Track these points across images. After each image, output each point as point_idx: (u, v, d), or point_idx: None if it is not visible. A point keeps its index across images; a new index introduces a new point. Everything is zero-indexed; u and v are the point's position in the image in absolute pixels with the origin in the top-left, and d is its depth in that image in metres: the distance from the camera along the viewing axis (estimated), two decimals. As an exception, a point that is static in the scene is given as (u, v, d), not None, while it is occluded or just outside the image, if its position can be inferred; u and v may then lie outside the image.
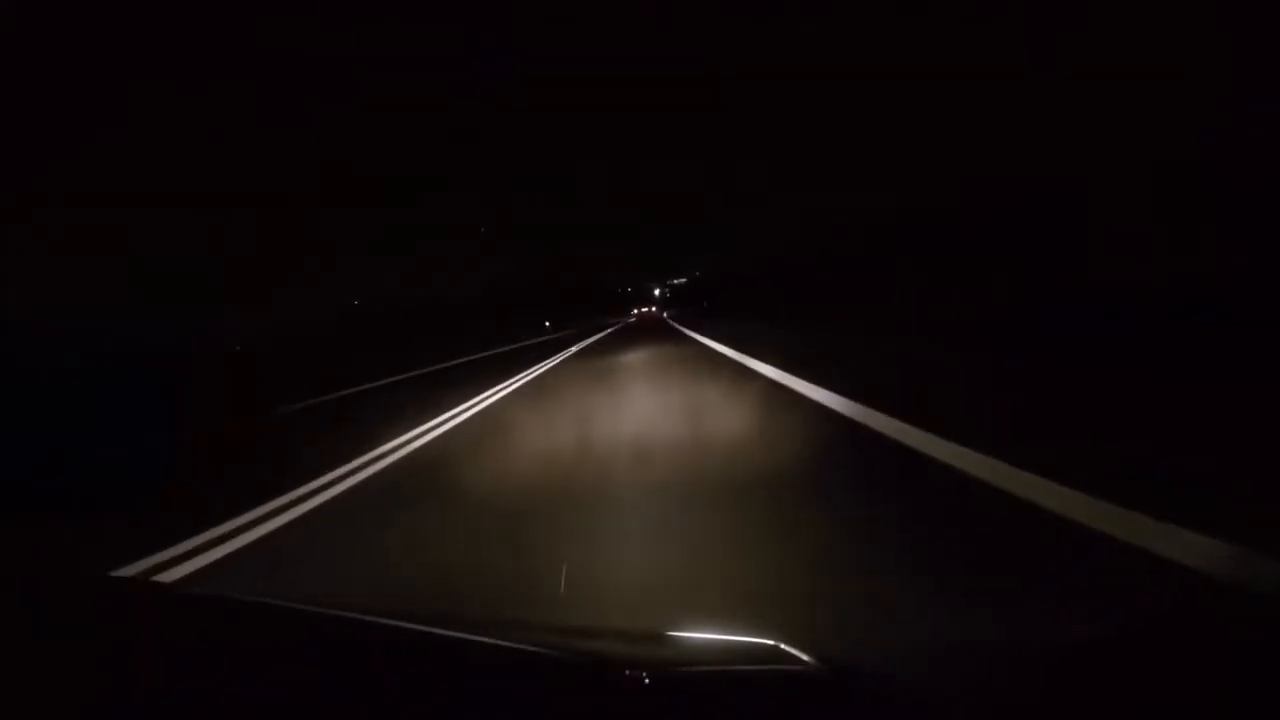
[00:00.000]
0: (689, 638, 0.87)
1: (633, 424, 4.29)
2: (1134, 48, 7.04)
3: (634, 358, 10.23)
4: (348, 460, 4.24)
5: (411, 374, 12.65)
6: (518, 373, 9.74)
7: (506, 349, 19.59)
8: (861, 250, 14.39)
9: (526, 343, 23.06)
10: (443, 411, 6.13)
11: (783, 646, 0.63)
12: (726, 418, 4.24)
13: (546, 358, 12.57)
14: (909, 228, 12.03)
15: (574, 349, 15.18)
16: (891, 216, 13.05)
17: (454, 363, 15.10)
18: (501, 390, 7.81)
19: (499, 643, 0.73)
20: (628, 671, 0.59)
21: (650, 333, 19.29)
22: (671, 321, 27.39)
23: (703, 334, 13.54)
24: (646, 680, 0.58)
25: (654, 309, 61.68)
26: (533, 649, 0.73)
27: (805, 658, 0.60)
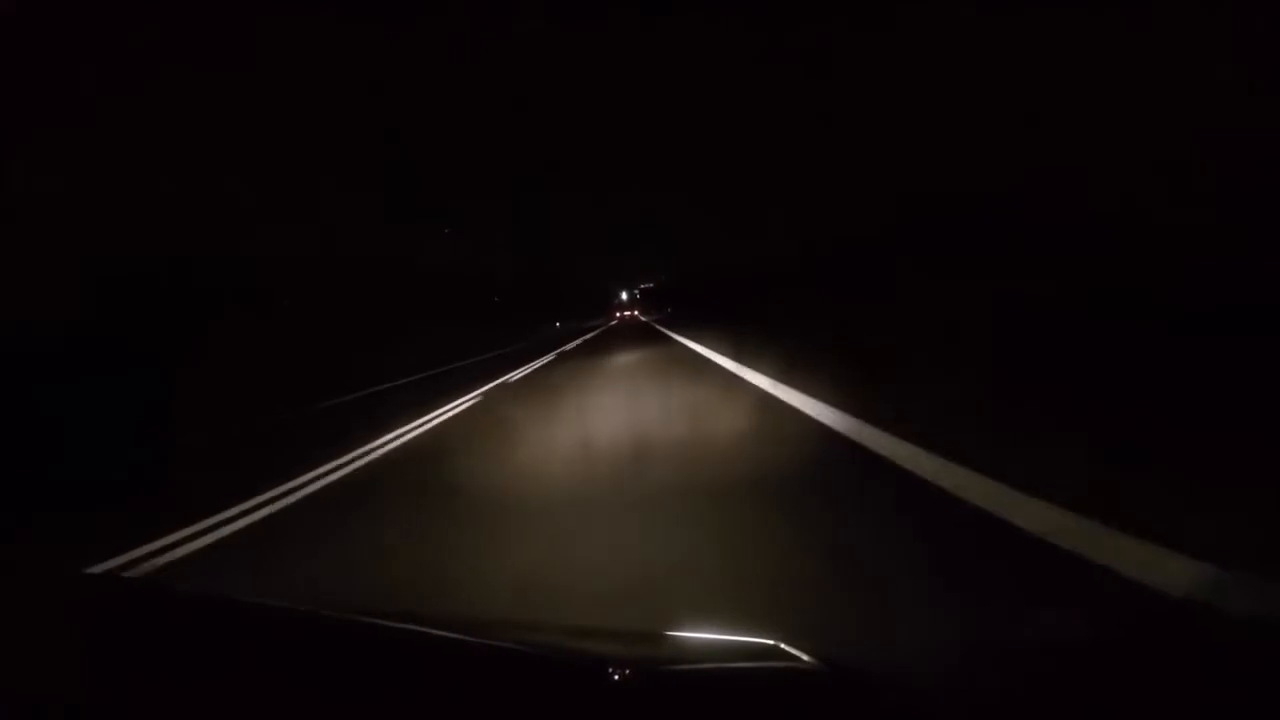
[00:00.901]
0: (688, 638, 0.87)
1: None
2: (1131, 43, 7.04)
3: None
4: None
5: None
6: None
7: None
8: (850, 247, 14.32)
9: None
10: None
11: (782, 646, 0.63)
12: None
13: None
14: (904, 225, 12.01)
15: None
16: (889, 214, 13.04)
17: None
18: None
19: (497, 643, 0.73)
20: (628, 671, 0.58)
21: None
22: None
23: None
24: (646, 679, 0.58)
25: (635, 312, 62.35)
26: (531, 649, 0.73)
27: (805, 657, 0.60)
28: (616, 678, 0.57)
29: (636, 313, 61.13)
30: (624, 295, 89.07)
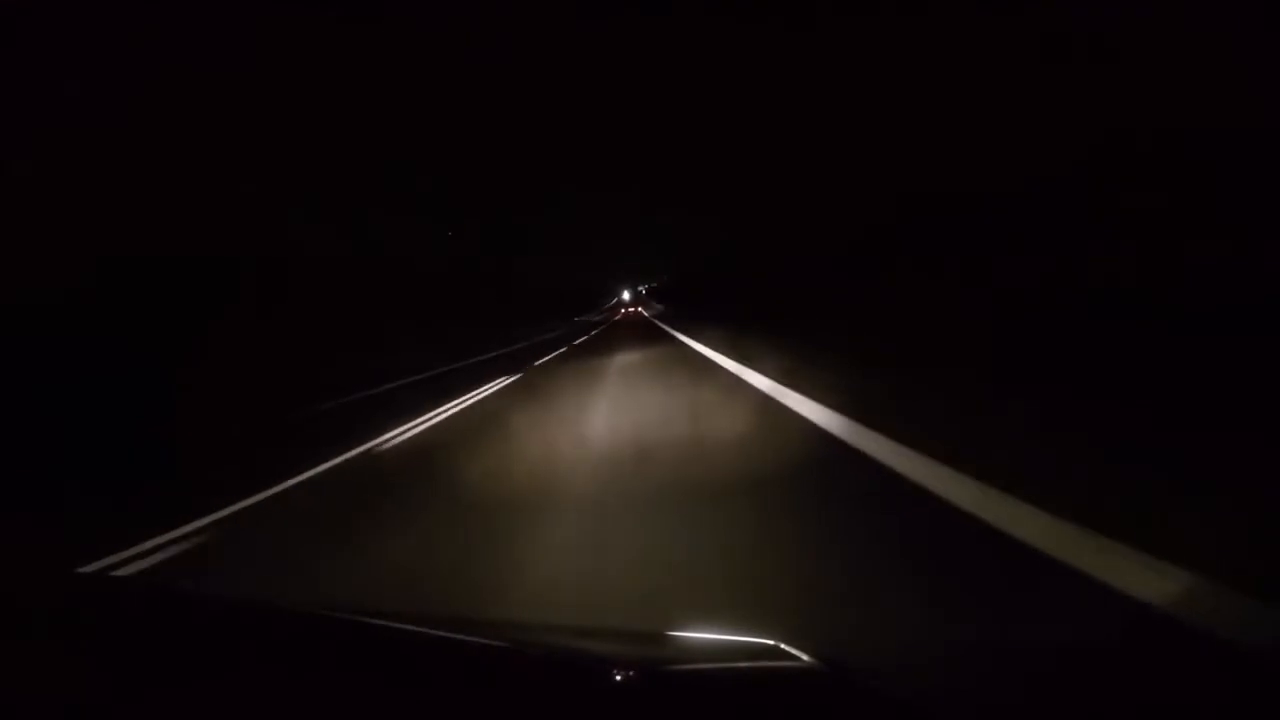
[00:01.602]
0: (689, 637, 0.87)
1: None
2: (1128, 35, 7.03)
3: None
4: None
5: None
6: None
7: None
8: (849, 246, 14.26)
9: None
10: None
11: (782, 646, 0.63)
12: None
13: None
14: (904, 225, 11.97)
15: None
16: (889, 214, 13.01)
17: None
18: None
19: (498, 643, 0.73)
20: (631, 671, 0.59)
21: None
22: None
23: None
24: (646, 679, 0.58)
25: (639, 308, 63.55)
26: (531, 649, 0.73)
27: (805, 657, 0.60)
28: (619, 678, 0.57)
29: (640, 309, 62.31)
30: (626, 294, 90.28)
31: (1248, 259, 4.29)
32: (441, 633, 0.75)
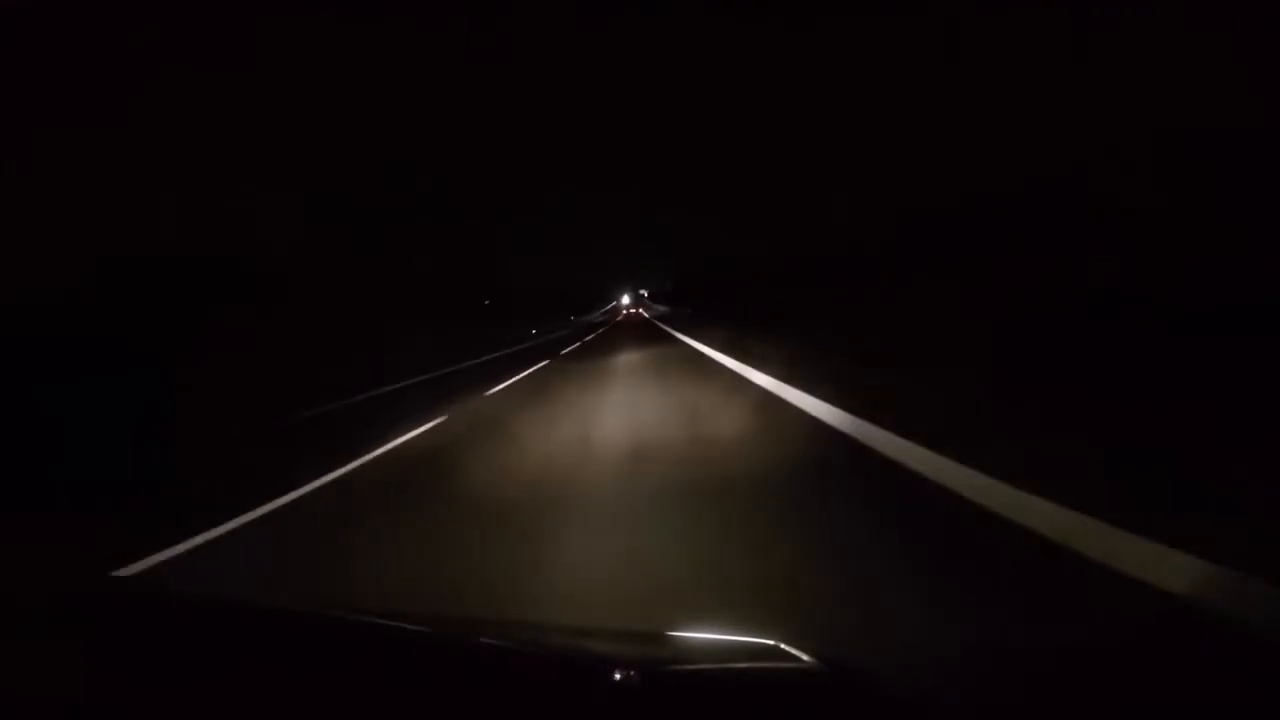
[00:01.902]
0: (689, 637, 0.87)
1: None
2: (1132, 35, 7.03)
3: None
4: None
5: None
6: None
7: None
8: (844, 250, 14.25)
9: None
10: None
11: (782, 646, 0.63)
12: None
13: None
14: (903, 225, 11.96)
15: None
16: (888, 214, 13.00)
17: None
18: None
19: (498, 643, 0.73)
20: (632, 671, 0.59)
21: None
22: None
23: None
24: (646, 679, 0.58)
25: (640, 309, 64.80)
26: (532, 649, 0.73)
27: (805, 657, 0.60)
28: (619, 678, 0.57)
29: (640, 310, 63.27)
30: (626, 298, 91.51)
31: (1248, 259, 4.28)
32: (442, 632, 0.75)
